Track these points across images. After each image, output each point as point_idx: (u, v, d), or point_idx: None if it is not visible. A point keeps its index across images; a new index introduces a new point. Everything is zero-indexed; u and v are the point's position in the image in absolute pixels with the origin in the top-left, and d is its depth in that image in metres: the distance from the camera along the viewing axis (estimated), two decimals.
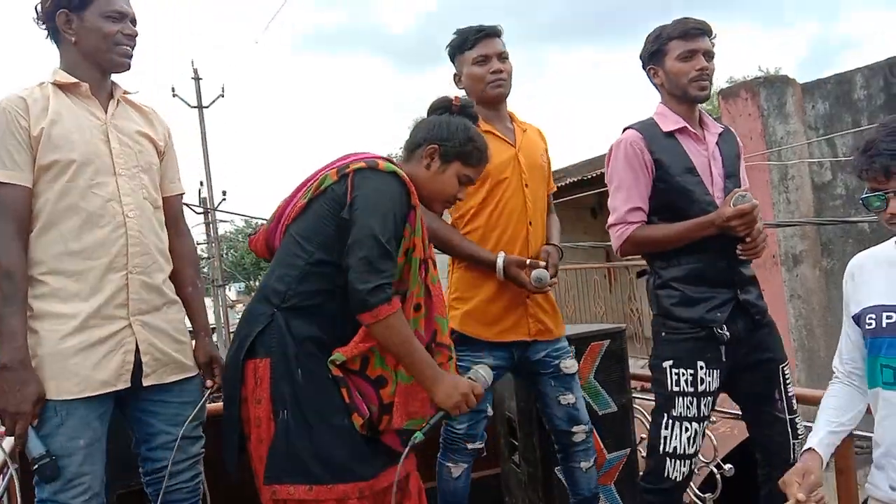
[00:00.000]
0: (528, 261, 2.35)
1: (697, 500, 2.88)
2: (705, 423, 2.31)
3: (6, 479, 2.47)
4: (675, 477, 2.28)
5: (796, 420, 2.34)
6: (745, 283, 2.32)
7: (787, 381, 2.35)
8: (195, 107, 20.00)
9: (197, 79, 20.11)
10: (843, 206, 7.93)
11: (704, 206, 2.25)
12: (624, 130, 2.38)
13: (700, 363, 2.26)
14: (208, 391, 2.15)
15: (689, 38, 2.29)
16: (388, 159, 1.93)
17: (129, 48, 2.03)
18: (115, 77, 2.09)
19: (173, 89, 19.84)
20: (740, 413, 2.48)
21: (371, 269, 1.74)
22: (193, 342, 2.21)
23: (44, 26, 2.03)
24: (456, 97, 2.10)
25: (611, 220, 2.35)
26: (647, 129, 2.33)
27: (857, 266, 1.87)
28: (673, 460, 2.27)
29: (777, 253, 7.89)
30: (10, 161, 1.88)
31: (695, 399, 2.26)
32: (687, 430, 2.27)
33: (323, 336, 1.84)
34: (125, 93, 2.12)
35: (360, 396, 1.83)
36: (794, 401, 2.35)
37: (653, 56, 2.36)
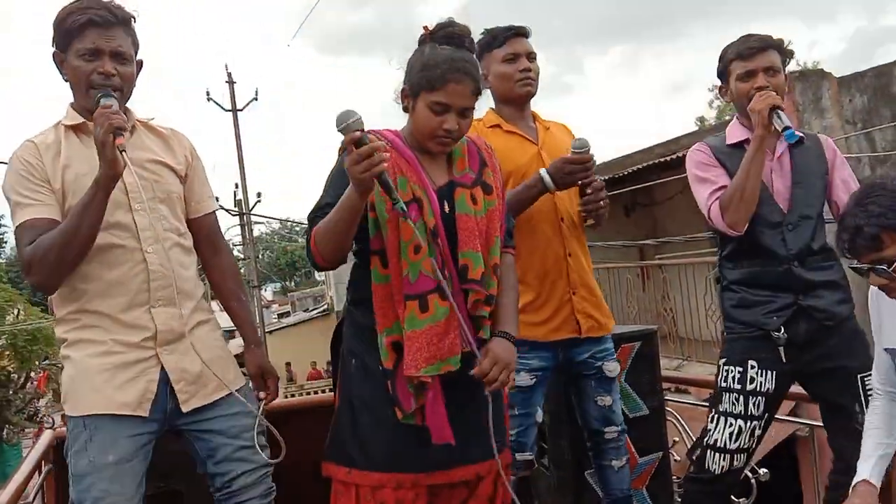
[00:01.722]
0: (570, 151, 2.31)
1: None
2: (754, 422, 2.32)
3: (43, 476, 2.53)
4: (714, 469, 2.33)
5: None
6: (813, 288, 2.30)
7: (869, 392, 2.21)
8: (229, 110, 20.22)
9: (231, 82, 20.34)
10: None
11: (762, 212, 2.28)
12: (694, 145, 2.49)
13: (751, 362, 2.31)
14: (262, 403, 2.13)
15: (746, 59, 2.34)
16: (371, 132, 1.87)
17: (101, 89, 1.91)
18: (129, 104, 2.04)
19: (208, 93, 20.08)
20: (778, 416, 2.46)
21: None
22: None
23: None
24: (425, 26, 1.94)
25: (704, 213, 2.37)
26: (714, 141, 2.45)
27: (880, 294, 1.82)
28: (713, 452, 2.33)
29: None
30: (33, 199, 1.90)
31: (741, 396, 2.30)
32: (731, 425, 2.31)
33: (372, 325, 1.84)
34: (139, 120, 2.08)
35: (408, 390, 1.79)
36: None
37: (721, 76, 2.44)
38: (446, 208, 1.86)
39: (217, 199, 2.29)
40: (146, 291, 1.96)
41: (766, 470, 2.86)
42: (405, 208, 1.69)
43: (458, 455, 1.84)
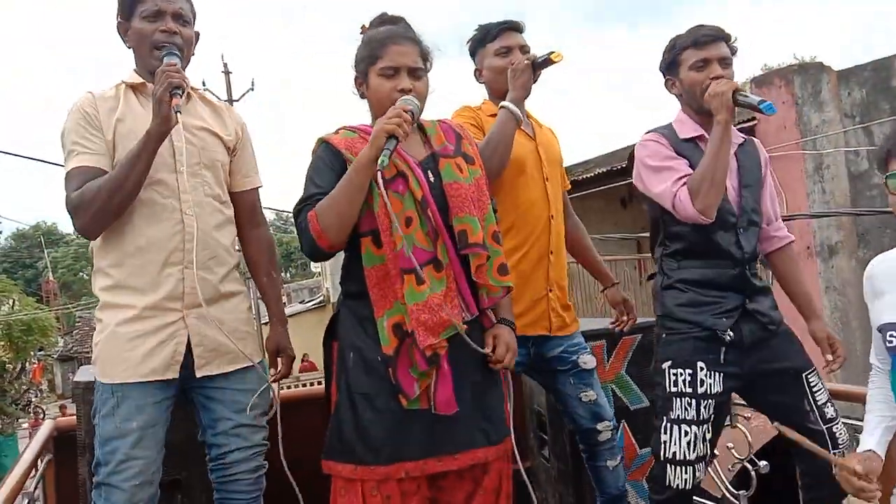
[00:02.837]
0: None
1: (731, 498, 2.83)
2: (705, 426, 2.22)
3: (43, 466, 2.53)
4: (678, 485, 2.18)
5: (834, 428, 2.23)
6: (757, 292, 2.27)
7: (815, 390, 2.24)
8: (226, 100, 20.15)
9: (227, 72, 20.28)
10: (880, 195, 7.75)
11: (720, 212, 2.17)
12: (642, 136, 2.35)
13: (700, 363, 2.19)
14: (270, 379, 2.19)
15: (701, 47, 2.24)
16: (342, 128, 1.96)
17: (168, 46, 2.01)
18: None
19: (203, 83, 19.99)
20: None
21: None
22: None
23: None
24: (363, 24, 2.03)
25: (667, 203, 2.21)
26: (667, 133, 2.31)
27: (875, 274, 1.85)
28: (674, 467, 2.19)
29: (812, 244, 7.75)
30: (86, 148, 1.99)
31: (693, 400, 2.18)
32: (686, 433, 2.18)
33: (368, 314, 1.84)
34: (193, 89, 2.14)
35: (410, 375, 1.79)
36: (831, 408, 2.25)
37: (669, 67, 2.33)
38: (431, 178, 1.87)
39: (258, 188, 2.32)
40: (181, 251, 2.02)
41: (765, 462, 2.85)
42: (386, 161, 1.71)
43: (464, 439, 1.84)
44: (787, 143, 7.63)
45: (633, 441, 2.72)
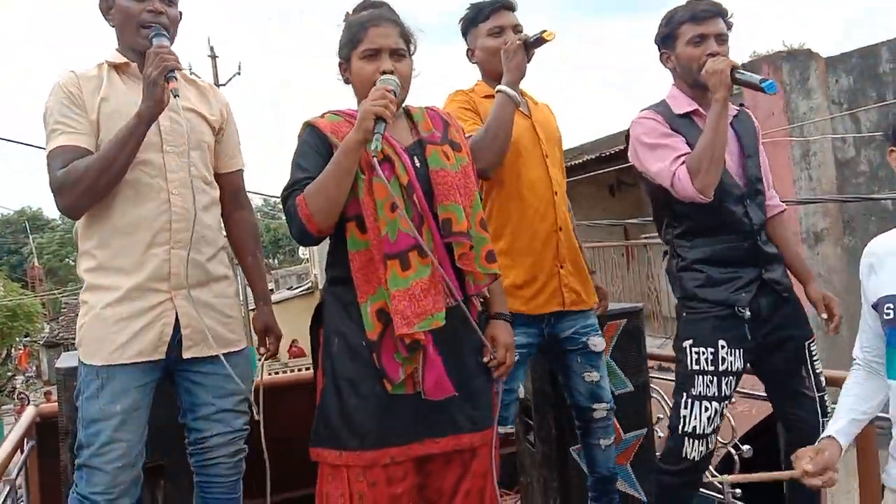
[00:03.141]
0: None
1: (715, 482, 2.85)
2: (725, 403, 2.28)
3: (26, 453, 2.51)
4: (694, 457, 2.25)
5: (825, 398, 2.31)
6: (770, 261, 2.29)
7: (815, 359, 2.31)
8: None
9: (213, 56, 20.09)
10: (866, 182, 7.80)
11: (724, 186, 2.20)
12: (637, 114, 2.34)
13: (721, 342, 2.23)
14: (261, 359, 2.23)
15: (699, 22, 2.23)
16: (328, 112, 1.94)
17: (155, 27, 1.99)
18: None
19: (190, 67, 19.84)
20: (759, 393, 2.45)
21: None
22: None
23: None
24: (347, 13, 2.03)
25: (665, 182, 2.20)
26: (661, 110, 2.30)
27: (875, 251, 1.82)
28: (692, 440, 2.24)
29: (798, 231, 7.79)
30: (69, 127, 1.97)
31: (715, 378, 2.23)
32: (707, 409, 2.23)
33: (352, 300, 1.83)
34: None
35: (394, 360, 1.78)
36: (823, 378, 2.32)
37: (665, 40, 2.32)
38: (417, 164, 1.86)
39: (241, 170, 2.33)
40: (167, 231, 2.01)
41: (748, 447, 2.88)
42: (380, 145, 1.69)
43: (449, 424, 1.84)
44: (775, 130, 7.65)
45: (618, 426, 2.73)
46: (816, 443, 1.78)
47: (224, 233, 2.27)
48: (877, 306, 1.76)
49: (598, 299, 2.60)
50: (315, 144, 1.86)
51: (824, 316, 2.33)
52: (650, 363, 3.04)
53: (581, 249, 2.57)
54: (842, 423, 1.78)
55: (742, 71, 2.13)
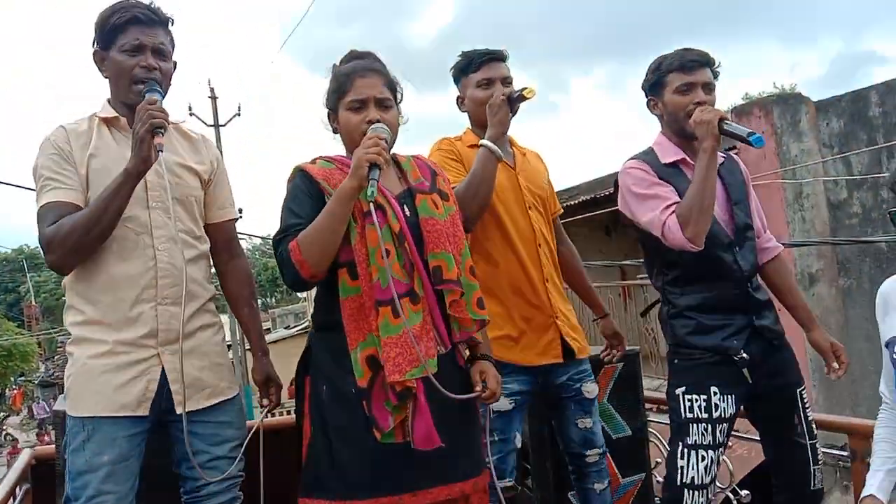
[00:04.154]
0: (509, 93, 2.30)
1: None
2: (721, 450, 2.27)
3: (19, 498, 2.49)
4: None
5: (816, 445, 2.30)
6: (761, 308, 2.29)
7: (806, 405, 2.32)
8: (212, 125, 20.16)
9: (213, 97, 20.30)
10: (859, 224, 7.86)
11: (713, 234, 2.20)
12: (625, 163, 2.36)
13: (714, 388, 2.22)
14: (264, 411, 2.23)
15: (687, 71, 2.26)
16: (319, 158, 1.98)
17: (148, 82, 2.00)
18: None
19: (190, 108, 20.00)
20: (757, 437, 2.45)
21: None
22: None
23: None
24: (333, 65, 2.08)
25: (656, 231, 2.21)
26: (649, 160, 2.32)
27: (887, 293, 1.85)
28: (691, 491, 2.22)
29: (793, 272, 7.82)
30: (60, 183, 1.97)
31: (709, 426, 2.22)
32: (703, 458, 2.22)
33: (342, 346, 1.84)
34: (169, 122, 2.12)
35: (384, 408, 1.79)
36: (814, 425, 2.32)
37: (653, 87, 2.35)
38: (407, 213, 1.89)
39: (234, 219, 2.33)
40: (153, 288, 2.00)
41: (747, 492, 2.87)
42: (375, 192, 1.73)
43: (441, 474, 1.84)
44: (767, 173, 7.73)
45: (616, 471, 2.72)
46: (859, 503, 1.78)
47: (213, 283, 2.26)
48: (888, 346, 1.79)
49: (618, 344, 2.62)
50: (307, 189, 1.89)
51: (835, 366, 2.32)
52: (648, 406, 3.04)
53: (591, 291, 2.64)
54: (879, 477, 1.79)
55: (730, 122, 2.16)
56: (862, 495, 1.80)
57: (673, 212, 2.17)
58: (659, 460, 3.10)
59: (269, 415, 2.26)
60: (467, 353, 2.01)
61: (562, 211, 2.70)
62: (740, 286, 2.26)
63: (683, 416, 2.25)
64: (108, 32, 2.03)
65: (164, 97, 2.01)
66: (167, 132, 2.05)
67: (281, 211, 1.90)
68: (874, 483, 1.78)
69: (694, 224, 2.13)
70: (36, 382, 29.65)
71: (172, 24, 2.11)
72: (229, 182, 2.30)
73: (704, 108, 2.20)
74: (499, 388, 1.94)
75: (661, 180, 2.26)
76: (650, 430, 3.03)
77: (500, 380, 1.96)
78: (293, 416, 2.08)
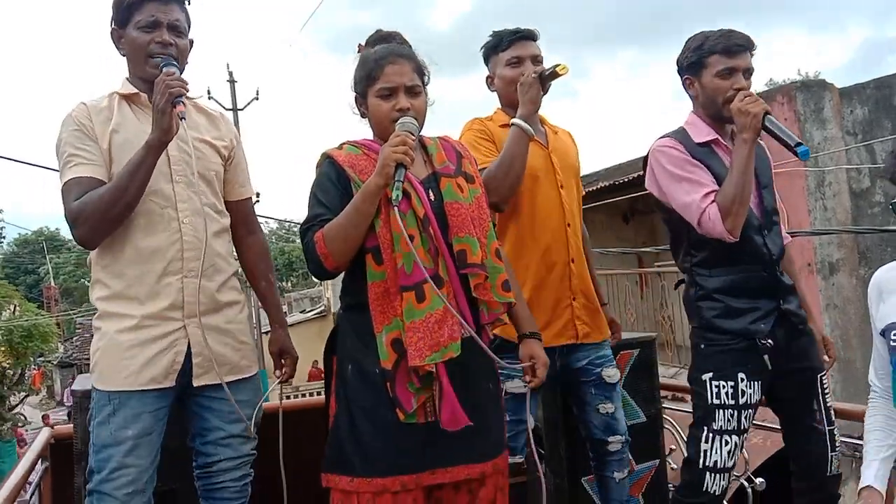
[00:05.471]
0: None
1: None
2: (745, 435, 2.28)
3: (39, 475, 2.53)
4: (714, 491, 2.24)
5: (835, 431, 2.30)
6: (787, 292, 2.29)
7: (826, 392, 2.31)
8: (230, 109, 20.22)
9: (232, 81, 20.35)
10: (881, 213, 7.76)
11: (746, 218, 2.18)
12: (657, 141, 2.32)
13: (741, 374, 2.22)
14: (277, 381, 2.26)
15: (731, 55, 2.21)
16: (346, 143, 1.97)
17: (163, 57, 2.02)
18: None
19: (209, 91, 20.07)
20: (773, 425, 2.44)
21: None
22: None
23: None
24: (359, 43, 2.06)
25: (692, 218, 2.19)
26: (681, 139, 2.29)
27: (882, 280, 1.83)
28: (713, 474, 2.23)
29: (813, 261, 7.74)
30: (83, 158, 2.00)
31: (736, 412, 2.23)
32: (727, 443, 2.22)
33: (368, 328, 1.84)
34: (189, 98, 2.14)
35: (408, 390, 1.81)
36: (833, 412, 2.31)
37: (691, 66, 2.29)
38: (432, 197, 1.89)
39: (251, 197, 2.36)
40: (179, 261, 2.03)
41: (762, 480, 2.86)
42: (400, 194, 1.74)
43: (460, 454, 1.85)
44: (789, 161, 7.63)
45: (631, 457, 2.71)
46: (857, 496, 1.77)
47: (235, 258, 2.30)
48: (884, 333, 1.77)
49: (611, 332, 2.60)
50: (333, 178, 1.90)
51: (825, 358, 2.35)
52: (663, 393, 3.02)
53: (595, 280, 2.57)
54: (875, 467, 1.78)
55: (774, 120, 2.12)
56: (859, 487, 1.79)
57: (713, 201, 2.15)
58: (673, 447, 3.09)
59: (281, 387, 2.27)
60: (493, 334, 2.01)
61: (583, 193, 2.67)
62: (769, 269, 2.25)
63: (710, 401, 2.24)
64: (124, 10, 2.06)
65: (181, 72, 2.03)
66: (186, 108, 2.09)
67: (309, 198, 1.92)
68: (870, 474, 1.77)
69: (734, 216, 2.13)
70: (55, 363, 30.08)
71: (189, 2, 2.12)
72: (246, 161, 2.33)
73: (749, 97, 2.14)
74: (543, 371, 1.96)
75: (695, 159, 2.23)
76: (664, 416, 3.02)
77: (548, 364, 1.98)
78: (311, 397, 2.10)
